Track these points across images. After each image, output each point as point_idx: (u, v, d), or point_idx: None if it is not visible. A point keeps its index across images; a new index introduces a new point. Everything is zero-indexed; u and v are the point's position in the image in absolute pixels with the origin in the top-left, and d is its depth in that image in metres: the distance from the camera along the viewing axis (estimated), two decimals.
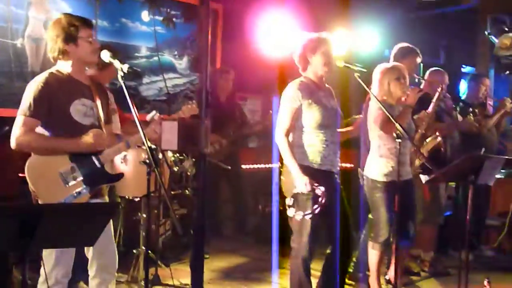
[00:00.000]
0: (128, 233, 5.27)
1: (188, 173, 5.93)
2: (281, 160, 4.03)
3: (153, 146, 3.54)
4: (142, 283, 4.64)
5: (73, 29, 3.35)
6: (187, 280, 4.95)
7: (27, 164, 3.32)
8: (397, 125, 4.03)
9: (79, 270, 3.66)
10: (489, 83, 6.61)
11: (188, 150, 4.29)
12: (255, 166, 7.40)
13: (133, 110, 3.22)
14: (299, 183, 3.84)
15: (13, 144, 3.31)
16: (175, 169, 5.72)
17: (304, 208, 3.85)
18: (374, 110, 4.52)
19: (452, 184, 6.25)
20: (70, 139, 3.33)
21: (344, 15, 7.16)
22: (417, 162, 4.97)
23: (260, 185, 7.08)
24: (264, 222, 6.48)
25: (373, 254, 4.64)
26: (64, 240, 2.59)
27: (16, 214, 2.35)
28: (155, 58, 6.79)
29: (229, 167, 6.51)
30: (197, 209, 2.73)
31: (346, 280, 4.89)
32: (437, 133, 5.13)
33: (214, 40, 7.24)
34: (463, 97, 6.54)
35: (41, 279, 3.37)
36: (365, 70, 4.23)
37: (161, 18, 6.89)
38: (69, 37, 3.35)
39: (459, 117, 5.87)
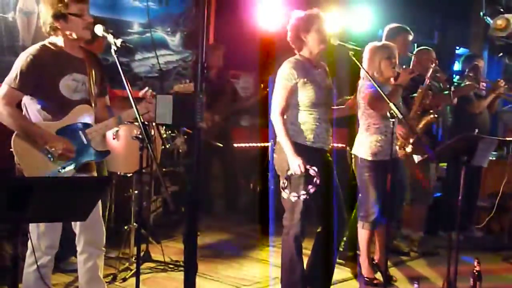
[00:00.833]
0: (119, 209, 5.27)
1: (180, 150, 5.91)
2: (274, 138, 4.02)
3: (146, 122, 3.51)
4: (133, 259, 4.64)
5: (61, 6, 3.28)
6: (177, 257, 4.96)
7: (13, 137, 3.30)
8: (391, 104, 4.03)
9: (70, 245, 3.65)
10: (483, 65, 6.61)
11: (183, 124, 4.26)
12: (247, 144, 7.39)
13: (127, 86, 3.17)
14: (293, 164, 3.83)
15: None
16: (167, 146, 5.69)
17: (298, 189, 3.85)
18: (363, 89, 4.52)
19: (443, 165, 6.28)
20: (44, 133, 3.29)
21: None
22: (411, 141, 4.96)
23: (251, 164, 7.08)
24: (255, 200, 6.50)
25: (362, 234, 4.66)
26: (56, 215, 2.57)
27: (6, 187, 2.33)
28: (148, 35, 6.72)
29: (221, 145, 6.50)
30: (190, 183, 2.70)
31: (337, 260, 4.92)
32: (431, 111, 5.14)
33: (207, 16, 7.17)
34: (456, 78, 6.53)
35: (29, 251, 3.37)
36: (359, 48, 4.21)
37: None
38: (59, 14, 3.29)
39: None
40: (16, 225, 2.42)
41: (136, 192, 4.85)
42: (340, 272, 4.93)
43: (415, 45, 6.57)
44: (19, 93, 3.29)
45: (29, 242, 3.32)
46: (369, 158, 4.53)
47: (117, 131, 4.73)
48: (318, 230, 4.12)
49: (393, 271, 5.03)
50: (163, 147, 5.23)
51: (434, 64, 5.10)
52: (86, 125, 3.43)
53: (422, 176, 5.49)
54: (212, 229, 6.15)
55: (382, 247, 4.72)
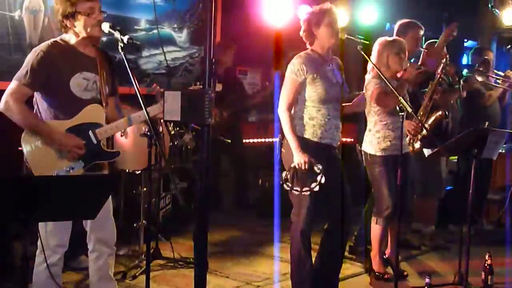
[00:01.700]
0: (129, 207, 5.26)
1: (188, 147, 5.91)
2: (282, 132, 4.00)
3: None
4: (143, 256, 4.64)
5: (69, 4, 3.27)
6: (187, 253, 4.96)
7: (23, 135, 3.29)
8: (400, 98, 4.00)
9: (80, 243, 3.65)
10: (492, 57, 6.55)
11: (192, 121, 4.24)
12: (255, 140, 7.38)
13: (134, 83, 3.15)
14: (298, 159, 3.81)
15: (1, 106, 3.28)
16: (176, 143, 5.69)
17: (302, 184, 3.82)
18: (369, 86, 4.49)
19: (454, 158, 6.23)
20: (52, 131, 3.27)
21: None
22: (419, 136, 4.93)
23: (260, 159, 7.07)
24: (264, 196, 6.48)
25: (376, 229, 4.64)
26: (65, 213, 2.56)
27: (16, 186, 2.32)
28: (155, 31, 6.70)
29: (230, 141, 6.49)
30: (200, 179, 2.68)
31: (347, 254, 4.90)
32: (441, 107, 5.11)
33: (214, 12, 7.15)
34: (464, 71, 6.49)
35: (38, 250, 3.36)
36: (367, 42, 4.18)
37: None
38: (67, 12, 3.29)
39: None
40: (25, 224, 2.41)
41: (145, 189, 4.85)
42: (351, 267, 4.92)
43: (423, 39, 6.53)
44: (28, 89, 3.27)
45: (38, 241, 3.31)
46: (379, 154, 4.51)
47: (125, 128, 4.71)
48: (326, 226, 4.10)
49: (404, 265, 5.01)
50: (171, 144, 5.23)
51: (444, 59, 5.06)
52: (97, 125, 3.40)
53: (432, 170, 5.47)
54: (222, 226, 6.13)
55: (394, 242, 4.69)
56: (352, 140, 5.88)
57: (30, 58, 3.29)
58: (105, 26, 3.35)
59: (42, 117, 3.35)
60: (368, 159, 4.59)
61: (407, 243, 5.47)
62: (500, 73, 6.14)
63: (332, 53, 4.09)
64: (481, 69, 5.82)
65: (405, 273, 4.76)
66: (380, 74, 4.24)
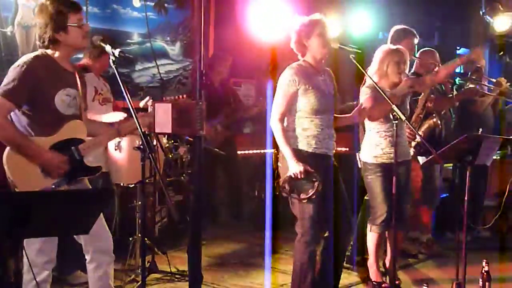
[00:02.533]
0: (124, 221, 5.24)
1: (183, 160, 5.89)
2: (276, 145, 3.99)
3: (147, 132, 3.48)
4: (139, 270, 4.61)
5: (61, 17, 3.24)
6: (184, 267, 4.93)
7: (6, 153, 3.21)
8: (393, 106, 4.00)
9: (74, 259, 3.61)
10: (484, 63, 6.57)
11: (183, 132, 4.25)
12: (250, 151, 7.37)
13: (126, 96, 3.15)
14: (294, 169, 3.80)
15: None
16: (170, 155, 5.68)
17: (300, 192, 3.82)
18: (363, 95, 4.50)
19: (449, 165, 6.24)
20: (36, 148, 3.21)
21: None
22: (413, 144, 4.95)
23: (255, 171, 7.05)
24: (260, 207, 6.46)
25: (371, 237, 4.63)
26: (58, 228, 2.54)
27: (9, 202, 2.30)
28: (147, 44, 6.72)
29: (224, 153, 6.47)
30: (193, 192, 2.68)
31: (344, 264, 4.88)
32: (434, 114, 5.12)
33: (206, 25, 7.17)
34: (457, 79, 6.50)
35: (25, 267, 3.28)
36: (360, 51, 4.18)
37: (152, 4, 6.81)
38: (59, 26, 3.25)
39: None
40: (18, 240, 2.39)
41: (139, 203, 4.83)
42: (348, 277, 4.90)
43: (415, 47, 6.55)
44: (10, 104, 3.17)
45: (24, 259, 3.25)
46: (371, 161, 4.52)
47: (119, 142, 4.71)
48: (325, 235, 4.08)
49: (401, 274, 4.98)
50: (165, 157, 5.21)
51: (437, 67, 5.06)
52: (79, 141, 3.37)
53: (426, 177, 5.47)
54: (218, 238, 6.12)
55: (392, 251, 4.67)
56: (348, 149, 5.87)
57: (15, 72, 3.20)
58: (96, 40, 3.36)
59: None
60: (363, 167, 4.62)
61: (404, 251, 5.46)
62: (492, 80, 6.16)
63: (324, 63, 4.10)
64: (474, 77, 5.84)
65: (397, 282, 4.73)
66: (372, 81, 4.25)
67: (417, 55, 5.64)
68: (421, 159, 5.15)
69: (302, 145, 3.92)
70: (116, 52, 3.24)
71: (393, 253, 4.46)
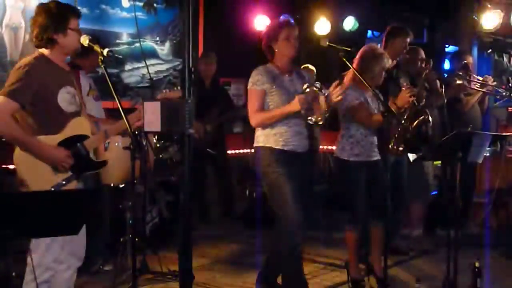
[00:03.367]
0: (114, 221, 5.22)
1: (174, 160, 5.89)
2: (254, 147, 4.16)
3: (136, 132, 3.50)
4: (130, 271, 4.59)
5: (63, 20, 3.34)
6: (175, 267, 4.92)
7: (16, 153, 3.30)
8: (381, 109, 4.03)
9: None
10: (472, 61, 6.61)
11: (172, 131, 4.26)
12: (241, 151, 7.37)
13: (116, 97, 3.19)
14: (297, 104, 3.84)
15: None
16: (161, 156, 5.67)
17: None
18: (348, 96, 4.51)
19: (438, 163, 6.26)
20: (40, 144, 3.29)
21: None
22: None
23: (246, 170, 7.05)
24: (251, 206, 6.46)
25: (348, 235, 4.64)
26: (46, 229, 2.53)
27: None
28: (137, 45, 6.70)
29: (214, 152, 6.48)
30: (183, 191, 2.67)
31: (336, 262, 4.90)
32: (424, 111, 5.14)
33: (196, 25, 7.16)
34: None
35: (28, 268, 3.32)
36: (349, 49, 4.19)
37: (141, 4, 6.80)
38: (59, 28, 3.34)
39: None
40: (6, 242, 2.38)
41: (130, 203, 4.81)
42: (341, 275, 4.90)
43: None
44: (14, 103, 3.25)
45: (28, 259, 3.27)
46: (352, 159, 4.54)
47: (108, 142, 4.69)
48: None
49: (393, 271, 5.00)
50: (155, 157, 5.20)
51: (427, 66, 5.11)
52: (84, 137, 3.46)
53: (417, 174, 5.49)
54: (209, 237, 6.11)
55: (376, 248, 4.68)
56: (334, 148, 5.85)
57: (17, 74, 3.28)
58: (84, 40, 3.37)
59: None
60: (340, 165, 4.62)
61: (395, 248, 5.47)
62: (479, 78, 6.19)
63: (292, 64, 4.17)
64: (460, 73, 5.87)
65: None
66: (363, 81, 4.25)
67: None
68: (411, 156, 5.16)
69: (271, 143, 4.04)
70: (105, 51, 3.26)
71: (380, 252, 4.51)
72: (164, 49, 7.17)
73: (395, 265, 5.22)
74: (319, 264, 5.31)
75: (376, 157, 4.60)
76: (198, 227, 6.16)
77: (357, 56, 4.56)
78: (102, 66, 3.25)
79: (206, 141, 6.40)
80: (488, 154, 6.47)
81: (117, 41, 6.64)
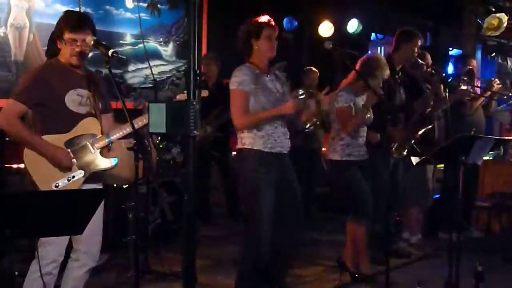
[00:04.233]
0: (117, 222, 5.22)
1: (177, 161, 5.89)
2: (236, 149, 4.11)
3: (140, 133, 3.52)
4: (133, 271, 4.60)
5: (60, 32, 3.41)
6: (178, 267, 4.91)
7: (25, 151, 3.38)
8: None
9: None
10: (476, 64, 6.60)
11: (177, 133, 4.27)
12: None
13: (120, 97, 3.21)
14: (291, 107, 3.85)
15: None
16: (164, 157, 5.67)
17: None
18: (340, 98, 4.55)
19: (441, 166, 6.26)
20: (43, 143, 3.37)
21: None
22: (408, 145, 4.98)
23: None
24: None
25: (352, 229, 4.69)
26: (51, 229, 2.54)
27: (1, 203, 2.30)
28: (140, 45, 6.72)
29: (217, 153, 6.48)
30: (187, 192, 2.68)
31: (335, 264, 4.91)
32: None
33: (199, 25, 7.18)
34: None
35: (35, 260, 3.37)
36: (355, 53, 4.20)
37: (145, 5, 6.81)
38: (59, 37, 3.42)
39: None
40: (10, 241, 2.39)
41: (132, 203, 4.82)
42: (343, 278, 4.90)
43: None
44: (21, 106, 3.37)
45: (36, 252, 3.34)
46: (345, 159, 4.62)
47: (111, 143, 4.70)
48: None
49: (395, 274, 4.98)
50: (158, 158, 5.21)
51: (430, 69, 5.13)
52: (94, 136, 3.50)
53: (418, 178, 5.50)
54: (212, 238, 6.11)
55: (350, 245, 4.75)
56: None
57: (25, 76, 3.47)
58: (89, 40, 3.39)
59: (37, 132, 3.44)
60: (334, 166, 4.65)
61: (396, 252, 5.47)
62: (484, 82, 6.18)
63: (268, 64, 4.13)
64: (465, 78, 5.87)
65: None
66: (366, 83, 4.27)
67: None
68: (414, 159, 5.16)
69: (258, 145, 3.98)
70: (110, 52, 3.27)
71: (353, 248, 4.72)
72: (167, 50, 7.19)
73: (396, 269, 5.20)
74: (321, 267, 5.31)
75: (365, 156, 4.71)
76: (202, 227, 6.16)
77: (361, 62, 4.59)
78: (107, 67, 3.26)
79: (206, 141, 6.40)
80: (491, 158, 6.47)
81: (121, 41, 6.67)
